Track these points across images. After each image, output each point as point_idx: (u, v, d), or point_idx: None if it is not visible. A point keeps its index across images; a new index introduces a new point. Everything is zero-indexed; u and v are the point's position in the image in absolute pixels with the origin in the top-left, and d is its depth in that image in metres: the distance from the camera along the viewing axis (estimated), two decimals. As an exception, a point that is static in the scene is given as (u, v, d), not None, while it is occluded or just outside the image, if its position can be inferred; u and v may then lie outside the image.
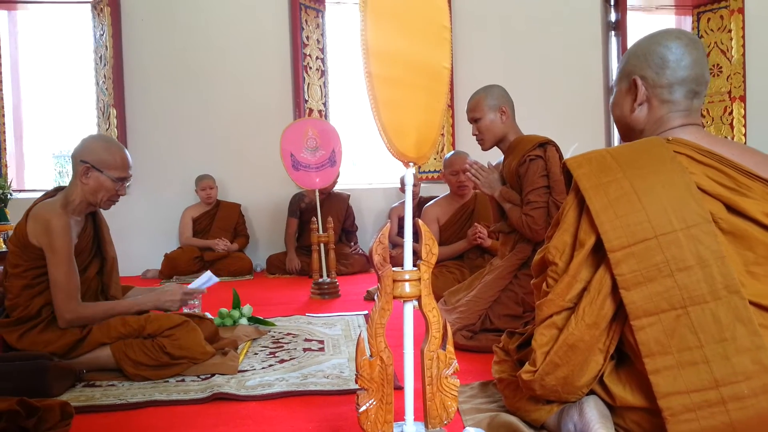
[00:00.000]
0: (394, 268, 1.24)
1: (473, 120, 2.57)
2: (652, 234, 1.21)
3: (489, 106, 2.53)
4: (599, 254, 1.28)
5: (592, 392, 1.34)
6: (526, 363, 1.37)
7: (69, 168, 2.16)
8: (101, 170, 2.13)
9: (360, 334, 1.25)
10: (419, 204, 4.65)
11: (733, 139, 5.49)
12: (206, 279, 2.52)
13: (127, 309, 2.17)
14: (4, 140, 5.27)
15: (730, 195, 1.25)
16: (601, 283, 1.26)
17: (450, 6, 5.26)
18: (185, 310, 2.57)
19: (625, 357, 1.32)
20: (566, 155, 2.48)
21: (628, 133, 1.52)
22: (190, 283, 2.49)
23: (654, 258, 1.20)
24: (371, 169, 6.20)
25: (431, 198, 3.96)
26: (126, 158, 2.19)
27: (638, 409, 1.27)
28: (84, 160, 2.12)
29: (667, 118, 1.42)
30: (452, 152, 3.74)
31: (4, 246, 3.59)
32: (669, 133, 1.40)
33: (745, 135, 5.64)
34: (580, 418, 1.28)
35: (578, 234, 1.30)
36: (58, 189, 2.23)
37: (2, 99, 5.25)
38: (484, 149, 2.63)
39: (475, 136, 2.61)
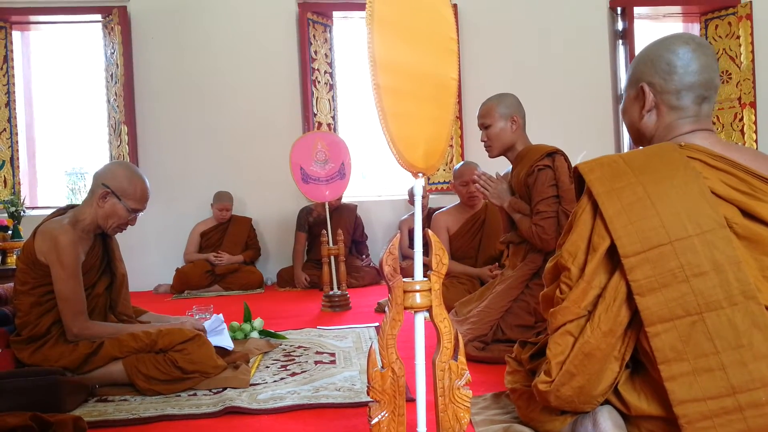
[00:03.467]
0: (404, 279, 1.23)
1: (483, 126, 2.57)
2: (667, 239, 1.20)
3: (500, 114, 2.53)
4: (614, 259, 1.26)
5: (606, 402, 1.32)
6: (541, 373, 1.35)
7: (81, 185, 2.18)
8: (119, 197, 2.15)
9: (371, 346, 1.24)
10: (428, 216, 4.64)
11: (744, 145, 5.45)
12: (218, 325, 2.41)
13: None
14: (18, 158, 5.34)
15: (746, 199, 1.24)
16: (617, 289, 1.24)
17: (456, 17, 5.29)
18: (196, 316, 2.59)
19: (640, 365, 1.31)
20: (575, 164, 2.48)
21: (639, 138, 1.51)
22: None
23: (669, 264, 1.19)
24: (380, 182, 6.20)
25: (440, 209, 3.96)
26: (146, 192, 2.21)
27: (654, 417, 1.25)
28: (105, 184, 2.15)
29: (676, 124, 1.41)
30: (462, 162, 3.74)
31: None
32: (680, 138, 1.38)
33: (756, 141, 5.60)
34: (594, 429, 1.26)
35: (592, 238, 1.29)
36: (69, 207, 2.25)
37: (16, 118, 5.33)
38: (491, 156, 2.63)
39: (483, 143, 2.61)
